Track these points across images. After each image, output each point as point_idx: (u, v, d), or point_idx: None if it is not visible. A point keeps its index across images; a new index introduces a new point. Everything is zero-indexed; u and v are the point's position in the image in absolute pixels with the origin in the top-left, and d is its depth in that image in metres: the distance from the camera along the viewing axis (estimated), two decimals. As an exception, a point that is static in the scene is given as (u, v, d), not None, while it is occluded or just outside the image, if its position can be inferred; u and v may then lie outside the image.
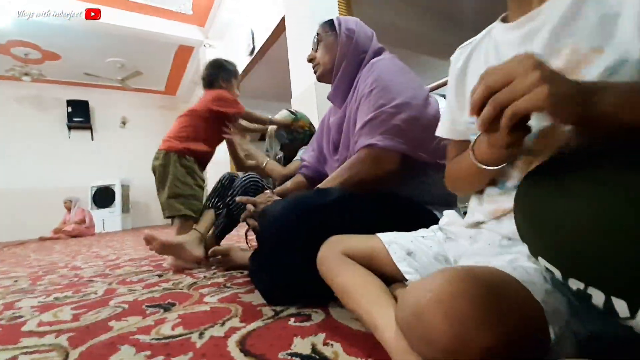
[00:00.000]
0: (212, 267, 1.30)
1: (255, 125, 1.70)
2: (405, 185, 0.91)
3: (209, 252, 1.25)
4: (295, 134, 1.61)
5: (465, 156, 0.47)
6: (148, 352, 0.54)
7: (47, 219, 5.88)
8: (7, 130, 6.16)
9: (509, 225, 0.43)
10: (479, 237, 0.50)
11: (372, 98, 0.87)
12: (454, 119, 0.56)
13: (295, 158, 1.58)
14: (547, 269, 0.34)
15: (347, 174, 0.86)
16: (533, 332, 0.32)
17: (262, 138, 1.78)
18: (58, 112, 6.57)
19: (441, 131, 0.59)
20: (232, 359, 0.50)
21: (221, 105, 1.53)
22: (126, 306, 0.86)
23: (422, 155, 0.82)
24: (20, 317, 0.83)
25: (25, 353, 0.59)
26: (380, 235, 0.61)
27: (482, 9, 3.46)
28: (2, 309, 0.93)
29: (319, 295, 0.66)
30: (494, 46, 0.49)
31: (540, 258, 0.35)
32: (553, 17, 0.41)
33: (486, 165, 0.42)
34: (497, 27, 0.50)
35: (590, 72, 0.37)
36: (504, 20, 0.50)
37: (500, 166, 0.41)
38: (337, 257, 0.59)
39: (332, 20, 1.03)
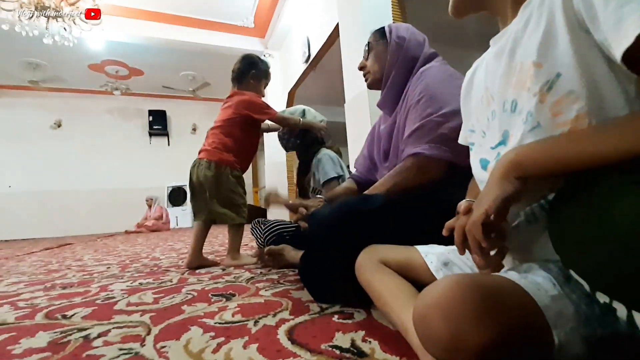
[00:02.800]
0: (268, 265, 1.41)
1: (275, 124, 1.71)
2: (453, 192, 0.91)
3: (265, 250, 1.35)
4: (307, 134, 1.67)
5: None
6: (212, 333, 0.64)
7: (131, 214, 6.73)
8: (99, 138, 7.19)
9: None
10: None
11: (419, 107, 0.89)
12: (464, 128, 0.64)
13: (328, 176, 1.59)
14: (577, 281, 0.34)
15: (393, 181, 0.89)
16: (532, 334, 0.33)
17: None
18: (141, 121, 7.49)
19: (461, 139, 0.67)
20: (281, 344, 0.56)
21: (253, 111, 1.56)
22: (195, 294, 0.98)
23: (469, 163, 0.81)
24: (113, 298, 1.00)
25: (117, 327, 0.72)
26: (417, 246, 0.64)
27: None
28: (98, 290, 1.13)
29: (361, 296, 0.70)
30: (485, 61, 0.55)
31: (571, 270, 0.35)
32: (511, 36, 0.46)
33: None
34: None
35: (533, 88, 0.42)
36: None
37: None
38: (374, 264, 0.63)
39: (383, 28, 1.06)
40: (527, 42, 0.44)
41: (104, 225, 6.92)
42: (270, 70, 1.74)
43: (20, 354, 0.60)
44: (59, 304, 0.96)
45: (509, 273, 0.41)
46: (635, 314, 0.27)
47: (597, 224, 0.32)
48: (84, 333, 0.69)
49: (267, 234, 1.47)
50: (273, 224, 1.49)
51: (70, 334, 0.69)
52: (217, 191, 1.53)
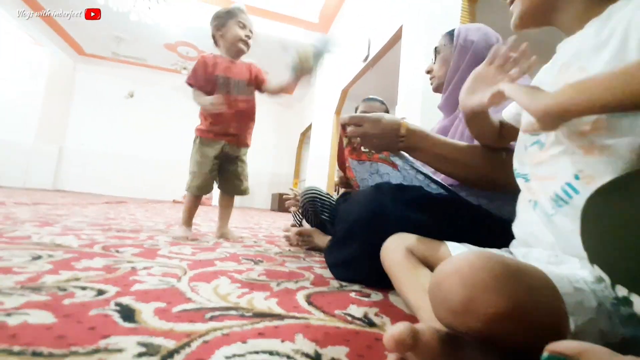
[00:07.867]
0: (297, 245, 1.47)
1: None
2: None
3: (296, 231, 1.40)
4: None
5: None
6: (239, 285, 0.70)
7: (180, 185, 7.22)
8: (162, 111, 7.77)
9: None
10: (529, 255, 0.50)
11: None
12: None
13: None
14: (601, 277, 0.34)
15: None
16: (547, 315, 0.33)
17: None
18: (201, 100, 7.99)
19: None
20: (298, 303, 0.61)
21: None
22: (228, 254, 1.06)
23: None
24: (157, 245, 1.12)
25: (159, 266, 0.81)
26: (447, 242, 0.64)
27: None
28: (146, 238, 1.26)
29: (378, 279, 0.72)
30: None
31: (595, 265, 0.35)
32: (571, 50, 0.48)
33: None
34: None
35: None
36: None
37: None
38: (400, 250, 0.64)
39: (453, 30, 1.01)
40: (590, 60, 0.43)
41: (155, 192, 7.50)
42: (239, 7, 1.53)
43: (81, 269, 0.70)
44: (113, 242, 1.09)
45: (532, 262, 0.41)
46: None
47: (625, 218, 0.31)
48: (132, 265, 0.79)
49: (302, 200, 1.48)
50: (309, 189, 1.49)
51: (121, 264, 0.79)
52: None
